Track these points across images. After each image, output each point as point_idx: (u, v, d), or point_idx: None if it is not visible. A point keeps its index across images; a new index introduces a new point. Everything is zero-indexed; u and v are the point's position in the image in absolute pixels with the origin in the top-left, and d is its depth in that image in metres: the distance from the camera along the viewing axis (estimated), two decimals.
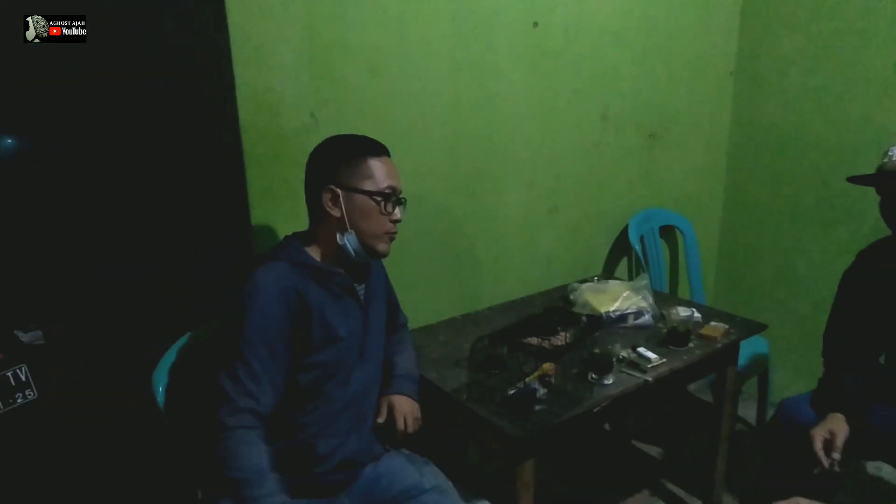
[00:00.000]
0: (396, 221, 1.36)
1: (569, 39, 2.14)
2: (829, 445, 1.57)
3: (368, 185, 1.31)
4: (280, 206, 1.65)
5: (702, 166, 2.75)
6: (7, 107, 1.24)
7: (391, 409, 1.48)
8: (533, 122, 2.13)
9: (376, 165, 1.33)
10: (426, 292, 2.02)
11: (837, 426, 1.59)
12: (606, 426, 2.69)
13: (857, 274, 1.77)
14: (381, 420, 1.47)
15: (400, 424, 1.46)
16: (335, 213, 1.31)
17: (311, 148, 1.37)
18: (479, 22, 1.91)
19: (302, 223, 1.41)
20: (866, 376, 1.71)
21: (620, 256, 2.55)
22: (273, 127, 1.60)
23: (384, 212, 1.33)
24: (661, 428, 2.69)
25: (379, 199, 1.32)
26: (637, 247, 2.42)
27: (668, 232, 2.67)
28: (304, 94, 1.63)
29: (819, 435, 1.58)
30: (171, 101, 1.43)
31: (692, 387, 2.93)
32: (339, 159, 1.32)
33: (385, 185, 1.33)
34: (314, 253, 1.36)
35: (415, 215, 1.92)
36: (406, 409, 1.49)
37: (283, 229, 1.65)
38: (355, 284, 1.40)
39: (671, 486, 2.32)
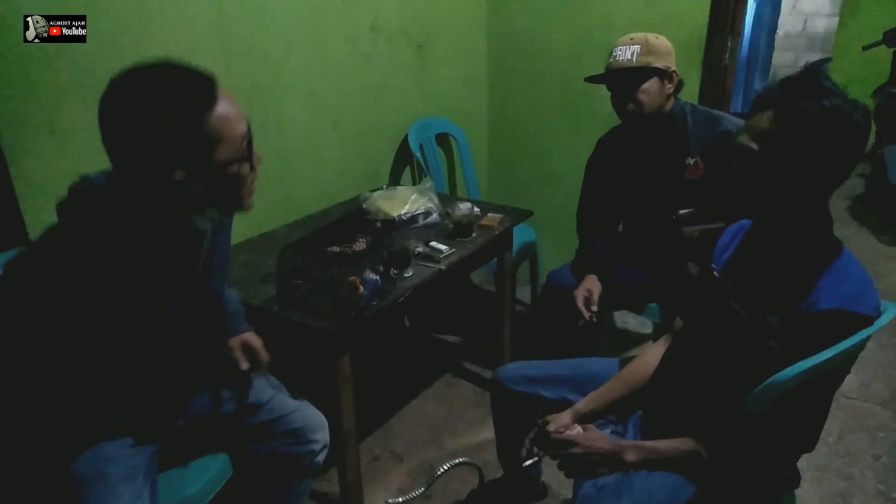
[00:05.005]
0: (257, 165, 1.09)
1: None
2: (587, 302, 1.91)
3: (224, 152, 0.99)
4: (38, 136, 1.48)
5: (467, 75, 2.95)
6: None
7: (250, 349, 1.43)
8: (305, 33, 2.10)
9: (221, 118, 0.98)
10: None
11: (593, 285, 1.94)
12: (407, 322, 2.91)
13: (597, 158, 2.11)
14: (245, 366, 1.39)
15: (263, 357, 1.43)
16: (196, 190, 1.00)
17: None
18: None
19: (74, 157, 1.27)
20: (610, 242, 2.09)
21: (404, 165, 2.70)
22: (11, 42, 1.40)
23: (243, 163, 1.04)
24: (455, 319, 2.98)
25: (241, 160, 1.02)
26: (418, 154, 2.57)
27: (443, 139, 2.86)
28: (47, 4, 1.44)
29: (580, 294, 1.91)
30: None
31: (477, 280, 3.28)
32: (176, 133, 0.95)
33: (240, 137, 1.01)
34: (138, 215, 1.04)
35: None
36: (257, 344, 1.45)
37: (48, 162, 1.49)
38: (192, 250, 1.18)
39: (468, 366, 2.63)
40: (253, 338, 1.45)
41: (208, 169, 0.99)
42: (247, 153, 1.04)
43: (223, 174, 1.01)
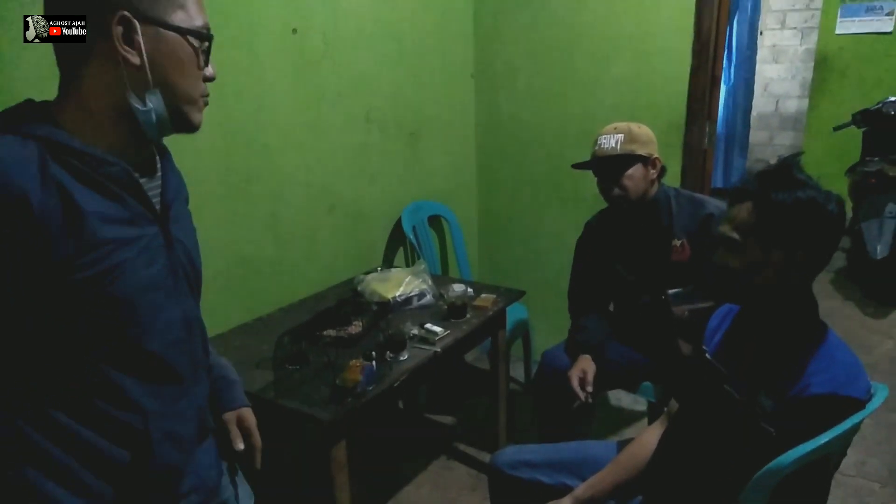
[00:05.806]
0: (210, 80, 0.94)
1: (328, 44, 2.24)
2: (582, 382, 1.92)
3: (181, 19, 0.86)
4: None
5: (457, 160, 3.06)
6: None
7: (244, 428, 1.22)
8: (303, 125, 2.20)
9: None
10: (214, 301, 1.97)
11: (587, 365, 1.95)
12: (400, 404, 2.88)
13: (586, 241, 2.17)
14: (240, 446, 1.19)
15: (257, 441, 1.22)
16: (133, 59, 0.83)
17: None
18: (239, 30, 1.92)
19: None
20: (602, 322, 2.11)
21: (397, 247, 2.75)
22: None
23: (200, 65, 0.91)
24: (448, 399, 2.96)
25: (196, 43, 0.89)
26: (411, 236, 2.63)
27: (434, 221, 2.94)
28: None
29: (574, 374, 1.92)
30: None
31: (470, 358, 3.27)
32: None
33: (201, 22, 0.89)
34: (70, 127, 0.84)
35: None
36: (252, 423, 1.24)
37: None
38: (143, 181, 0.93)
39: (463, 447, 2.58)
40: (249, 415, 1.25)
41: (159, 28, 0.84)
42: (202, 47, 0.90)
43: (176, 46, 0.86)
